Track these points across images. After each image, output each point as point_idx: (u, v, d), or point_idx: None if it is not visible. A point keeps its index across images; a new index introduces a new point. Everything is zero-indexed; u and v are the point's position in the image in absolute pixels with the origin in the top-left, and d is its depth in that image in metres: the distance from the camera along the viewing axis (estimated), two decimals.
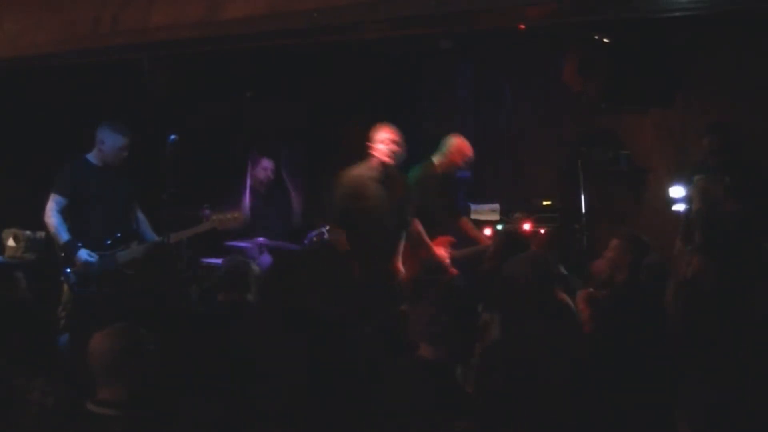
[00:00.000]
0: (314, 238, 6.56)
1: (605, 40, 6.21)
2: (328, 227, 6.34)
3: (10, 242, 6.22)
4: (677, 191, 6.31)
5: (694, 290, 4.46)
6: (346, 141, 7.31)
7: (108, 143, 5.55)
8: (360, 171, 5.65)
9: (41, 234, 6.22)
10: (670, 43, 6.31)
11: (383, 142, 5.56)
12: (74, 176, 5.54)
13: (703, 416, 2.66)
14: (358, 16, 4.57)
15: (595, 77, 6.35)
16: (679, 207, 6.21)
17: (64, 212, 5.46)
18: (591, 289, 5.00)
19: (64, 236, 5.39)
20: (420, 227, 5.92)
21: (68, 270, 5.38)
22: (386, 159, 5.57)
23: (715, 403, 2.67)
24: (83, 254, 5.35)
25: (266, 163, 6.95)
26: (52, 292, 5.53)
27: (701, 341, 3.79)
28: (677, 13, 5.11)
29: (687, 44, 6.40)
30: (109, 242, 5.49)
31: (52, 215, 5.44)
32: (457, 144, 6.24)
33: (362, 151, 5.78)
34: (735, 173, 5.80)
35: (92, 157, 5.61)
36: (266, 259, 6.62)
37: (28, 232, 6.26)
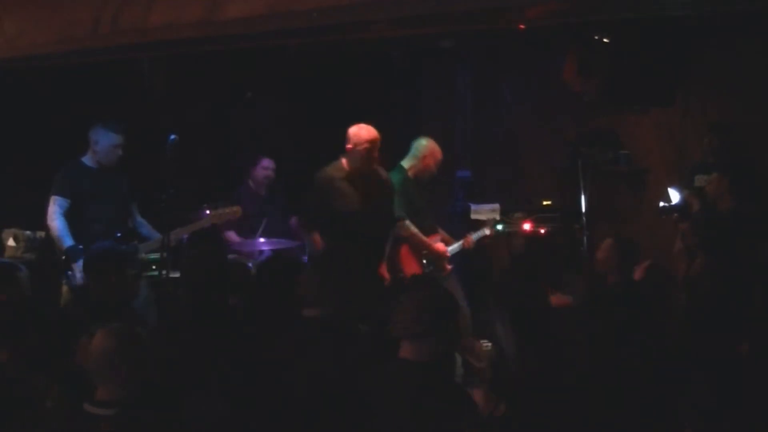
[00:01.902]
0: None
1: (605, 40, 6.21)
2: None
3: (10, 242, 6.20)
4: (673, 195, 6.27)
5: (694, 289, 4.47)
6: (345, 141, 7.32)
7: (102, 142, 5.53)
8: (330, 171, 5.52)
9: (41, 234, 6.20)
10: (670, 43, 6.31)
11: (365, 145, 5.39)
12: (71, 178, 5.51)
13: (705, 414, 2.66)
14: (358, 16, 4.57)
15: (595, 77, 6.35)
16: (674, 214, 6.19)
17: (66, 215, 5.44)
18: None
19: (67, 241, 5.35)
20: (413, 229, 5.88)
21: (69, 272, 5.37)
22: (361, 162, 5.43)
23: (716, 402, 2.67)
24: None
25: (266, 163, 6.91)
26: (53, 292, 5.52)
27: (703, 340, 3.79)
28: (677, 13, 5.12)
29: (687, 44, 6.39)
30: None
31: (56, 218, 5.39)
32: (428, 147, 6.10)
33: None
34: (735, 173, 5.80)
35: (87, 159, 5.58)
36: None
37: (28, 232, 6.24)
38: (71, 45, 5.57)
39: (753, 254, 5.28)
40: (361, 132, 5.41)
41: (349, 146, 5.43)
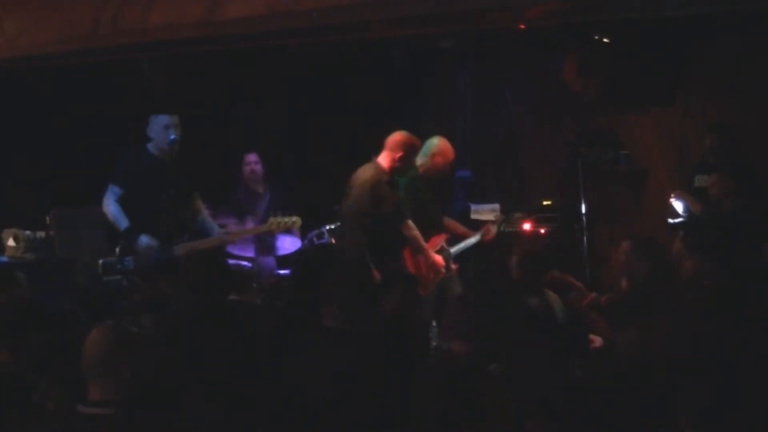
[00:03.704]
0: (314, 238, 6.56)
1: (605, 40, 6.21)
2: (327, 228, 6.33)
3: (10, 242, 6.19)
4: (677, 206, 6.22)
5: (695, 290, 4.46)
6: (345, 141, 7.32)
7: (153, 127, 5.47)
8: (374, 174, 5.51)
9: (41, 234, 6.20)
10: (670, 43, 6.31)
11: (406, 153, 5.52)
12: (130, 166, 5.45)
13: (705, 417, 2.66)
14: (358, 16, 4.56)
15: (595, 77, 6.35)
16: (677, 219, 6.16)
17: (122, 202, 5.39)
18: (594, 294, 4.98)
19: (123, 224, 5.32)
20: (416, 231, 5.86)
21: (128, 259, 5.30)
22: (399, 167, 5.53)
23: (716, 404, 2.67)
24: (144, 240, 5.28)
25: (250, 158, 6.90)
26: (53, 292, 5.51)
27: (703, 341, 3.79)
28: (677, 13, 5.12)
29: (687, 44, 6.40)
30: (163, 233, 5.36)
31: (109, 204, 5.38)
32: (439, 146, 6.05)
33: (362, 151, 5.74)
34: (735, 173, 5.81)
35: (150, 146, 5.52)
36: (266, 259, 6.62)
37: (28, 232, 6.24)
38: (71, 45, 5.56)
39: (755, 254, 5.28)
40: (408, 139, 5.54)
41: (400, 154, 5.50)
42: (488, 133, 8.05)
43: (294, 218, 5.84)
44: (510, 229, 6.98)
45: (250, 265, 6.38)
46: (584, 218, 6.91)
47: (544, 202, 7.35)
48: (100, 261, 5.29)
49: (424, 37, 6.80)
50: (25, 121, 6.63)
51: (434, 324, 5.84)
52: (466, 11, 4.37)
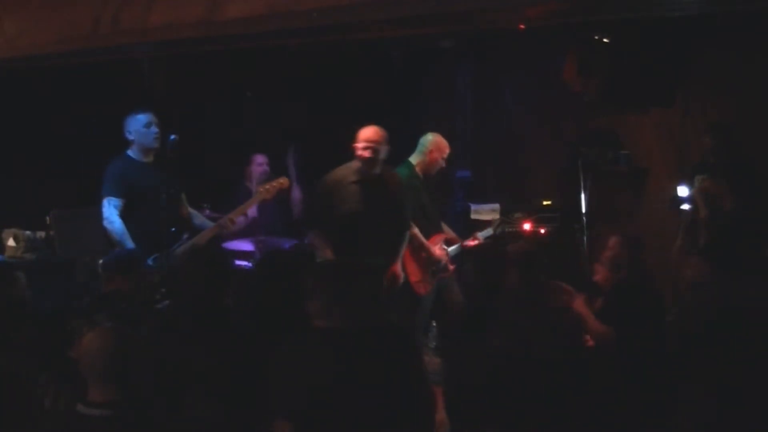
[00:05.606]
0: None
1: (605, 40, 6.21)
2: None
3: (10, 242, 6.19)
4: (682, 191, 6.25)
5: (696, 291, 4.46)
6: (345, 141, 7.32)
7: (134, 127, 5.38)
8: (340, 173, 5.50)
9: (41, 234, 6.20)
10: (670, 43, 6.31)
11: (360, 144, 5.40)
12: (120, 174, 5.34)
13: (705, 416, 2.66)
14: (358, 16, 4.57)
15: (595, 77, 6.36)
16: (684, 206, 6.16)
17: (122, 214, 5.25)
18: (584, 295, 4.99)
19: (129, 244, 5.18)
20: (415, 229, 5.86)
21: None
22: (361, 163, 5.42)
23: (717, 403, 2.67)
24: (149, 261, 5.17)
25: (260, 159, 6.94)
26: (53, 292, 5.51)
27: (704, 342, 3.79)
28: (677, 13, 5.13)
29: (687, 44, 6.40)
30: (164, 239, 5.24)
31: (114, 220, 5.23)
32: (435, 141, 6.04)
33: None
34: (735, 173, 5.81)
35: (132, 152, 5.44)
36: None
37: (28, 232, 6.24)
38: (71, 45, 5.57)
39: (755, 254, 5.27)
40: (363, 134, 5.41)
41: (355, 147, 5.42)
42: (488, 133, 8.04)
43: (282, 179, 5.83)
44: (511, 229, 6.94)
45: (250, 265, 6.38)
46: (584, 218, 6.91)
47: (544, 202, 7.34)
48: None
49: (424, 37, 6.80)
50: (25, 121, 6.64)
51: (434, 324, 5.86)
52: (466, 11, 4.38)
